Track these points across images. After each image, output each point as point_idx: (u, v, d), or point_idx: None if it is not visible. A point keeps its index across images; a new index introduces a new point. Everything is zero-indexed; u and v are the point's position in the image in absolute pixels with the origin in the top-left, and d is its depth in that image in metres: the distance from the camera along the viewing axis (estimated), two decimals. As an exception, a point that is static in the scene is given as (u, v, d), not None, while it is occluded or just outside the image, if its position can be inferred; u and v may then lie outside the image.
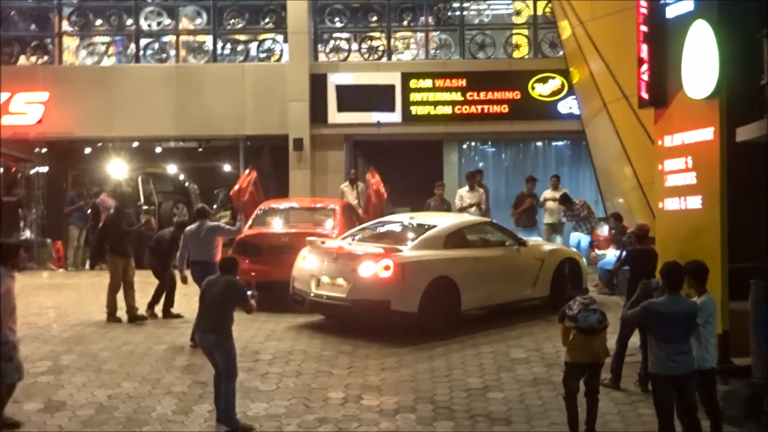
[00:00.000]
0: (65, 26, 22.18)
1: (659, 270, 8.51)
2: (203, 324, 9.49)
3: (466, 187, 18.42)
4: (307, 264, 13.45)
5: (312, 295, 13.11)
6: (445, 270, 12.94)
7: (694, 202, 11.08)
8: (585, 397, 8.83)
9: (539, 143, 22.90)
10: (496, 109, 20.81)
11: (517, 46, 21.72)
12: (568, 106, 20.32)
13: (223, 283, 9.46)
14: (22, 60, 21.96)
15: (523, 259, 14.25)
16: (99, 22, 22.39)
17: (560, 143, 22.85)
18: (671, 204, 11.64)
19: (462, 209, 17.85)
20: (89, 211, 20.04)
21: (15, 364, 9.08)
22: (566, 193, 18.39)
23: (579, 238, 17.93)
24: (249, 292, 9.58)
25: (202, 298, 9.56)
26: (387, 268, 12.48)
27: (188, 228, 13.08)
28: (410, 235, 13.58)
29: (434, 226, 13.67)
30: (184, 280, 12.87)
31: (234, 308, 9.46)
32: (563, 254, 15.18)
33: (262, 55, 21.95)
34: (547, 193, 18.70)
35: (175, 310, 14.18)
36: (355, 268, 12.67)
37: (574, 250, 16.22)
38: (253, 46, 22.07)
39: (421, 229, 13.66)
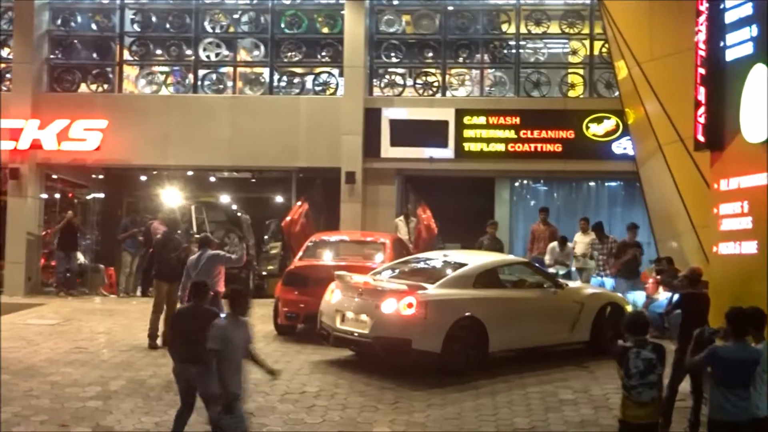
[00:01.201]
0: (126, 55, 22.55)
1: (725, 315, 8.39)
2: (181, 354, 9.22)
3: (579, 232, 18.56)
4: (333, 298, 13.35)
5: (336, 330, 12.96)
6: (472, 310, 12.63)
7: (749, 247, 10.92)
8: None
9: (592, 183, 22.74)
10: (549, 147, 20.75)
11: (573, 86, 21.66)
12: (622, 146, 20.18)
13: (198, 311, 9.29)
14: (83, 87, 22.34)
15: (560, 302, 13.86)
16: (159, 51, 22.76)
17: (613, 184, 22.67)
18: (726, 248, 11.48)
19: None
20: (142, 238, 20.26)
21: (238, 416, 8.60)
22: (600, 223, 18.28)
23: (601, 281, 17.43)
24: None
25: (175, 326, 9.39)
26: (410, 305, 12.24)
27: (190, 258, 12.95)
28: (440, 272, 13.32)
29: (465, 265, 13.44)
30: None
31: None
32: (606, 299, 14.68)
33: (318, 88, 22.12)
34: (577, 237, 18.59)
35: None
36: (378, 304, 12.46)
37: (620, 295, 15.61)
38: (309, 78, 22.24)
39: (451, 266, 13.45)
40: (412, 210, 19.94)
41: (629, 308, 14.62)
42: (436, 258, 14.31)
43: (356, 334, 12.64)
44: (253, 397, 11.09)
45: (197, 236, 20.04)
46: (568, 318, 13.81)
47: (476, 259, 14.10)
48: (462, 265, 13.40)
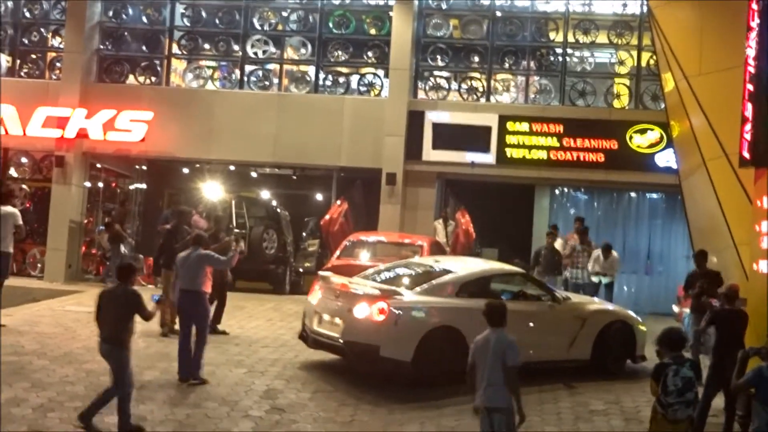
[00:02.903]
0: (174, 49, 22.78)
1: None
2: (102, 333, 9.53)
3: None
4: (314, 299, 13.00)
5: (313, 332, 12.64)
6: (450, 319, 11.96)
7: (790, 266, 10.81)
8: None
9: (633, 194, 22.59)
10: (591, 157, 20.66)
11: (618, 96, 21.55)
12: (665, 159, 20.03)
13: (120, 292, 9.56)
14: (131, 79, 22.60)
15: (558, 317, 12.99)
16: (207, 46, 22.96)
17: (655, 195, 22.52)
18: (766, 266, 11.36)
19: None
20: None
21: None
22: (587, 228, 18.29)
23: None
24: (156, 297, 9.73)
25: (100, 307, 9.58)
26: (381, 311, 11.70)
27: (180, 255, 12.36)
28: (425, 279, 12.71)
29: (451, 272, 12.84)
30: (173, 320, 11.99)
31: (131, 317, 9.48)
32: (612, 316, 13.78)
33: (363, 89, 22.20)
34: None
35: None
36: (351, 308, 11.97)
37: (630, 313, 14.33)
38: (354, 79, 22.33)
39: (438, 274, 12.87)
40: (451, 214, 19.95)
41: (642, 327, 13.86)
42: (426, 264, 13.75)
43: (330, 337, 12.22)
44: (285, 393, 11.20)
45: (236, 231, 20.29)
46: (565, 334, 12.97)
47: (468, 267, 13.52)
48: (448, 272, 12.86)
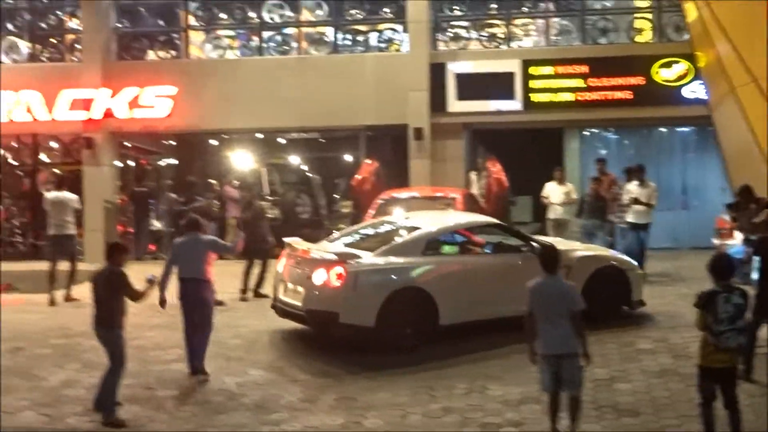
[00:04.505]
0: (191, 21, 22.73)
1: None
2: (93, 314, 9.47)
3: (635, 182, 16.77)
4: (280, 267, 12.73)
5: (278, 300, 12.41)
6: (414, 280, 11.63)
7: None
8: (725, 409, 8.10)
9: (663, 129, 22.36)
10: (618, 95, 20.44)
11: (641, 31, 21.28)
12: (693, 90, 19.80)
13: (106, 272, 9.42)
14: (151, 55, 22.62)
15: (537, 268, 12.01)
16: (223, 16, 22.89)
17: (686, 129, 22.26)
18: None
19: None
20: (216, 202, 20.49)
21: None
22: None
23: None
24: (149, 277, 9.58)
25: (93, 289, 9.50)
26: (339, 276, 11.30)
27: (178, 241, 11.55)
28: (389, 239, 12.33)
29: (416, 229, 12.32)
30: (163, 303, 10.89)
31: (120, 298, 9.34)
32: (602, 261, 13.00)
33: (382, 45, 22.08)
34: (551, 186, 17.89)
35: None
36: (310, 275, 11.62)
37: (621, 255, 13.88)
38: (373, 36, 22.20)
39: (403, 232, 12.43)
40: (481, 164, 19.85)
41: (637, 272, 13.38)
42: (394, 222, 13.29)
43: (292, 306, 11.97)
44: (329, 355, 11.29)
45: (269, 197, 20.35)
46: None
47: (436, 221, 12.91)
48: (414, 229, 12.36)
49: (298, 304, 11.79)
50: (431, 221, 12.91)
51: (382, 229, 13.19)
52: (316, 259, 11.80)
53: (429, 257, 11.97)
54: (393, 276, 11.64)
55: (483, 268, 12.44)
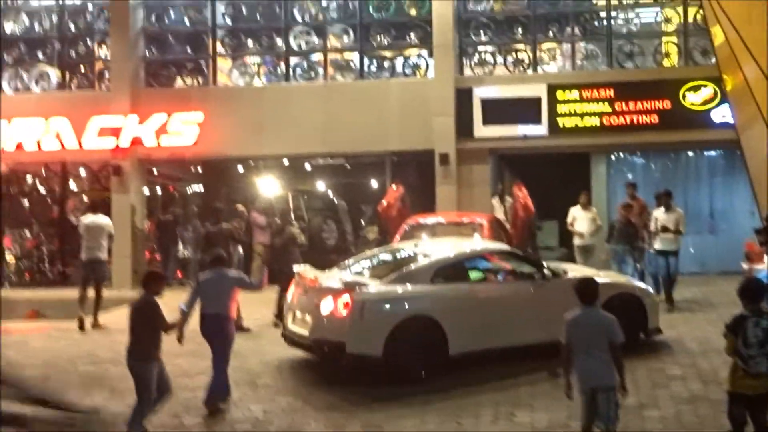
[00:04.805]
0: (219, 48, 22.91)
1: None
2: (128, 345, 9.40)
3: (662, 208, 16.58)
4: (290, 295, 12.70)
5: (287, 329, 12.31)
6: (423, 309, 11.44)
7: None
8: None
9: (690, 153, 22.26)
10: (645, 119, 20.37)
11: (667, 55, 21.23)
12: (721, 114, 19.70)
13: (142, 302, 9.37)
14: (179, 82, 22.80)
15: (549, 295, 11.92)
16: (250, 42, 23.05)
17: (713, 153, 22.16)
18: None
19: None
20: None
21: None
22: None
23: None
24: (183, 307, 9.56)
25: (129, 318, 9.45)
26: (346, 305, 11.13)
27: (204, 277, 11.13)
28: (398, 266, 12.10)
29: (426, 257, 12.19)
30: (180, 339, 10.41)
31: (155, 329, 9.25)
32: (616, 288, 12.65)
33: (408, 71, 22.15)
34: (575, 211, 17.87)
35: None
36: (317, 304, 11.47)
37: (638, 283, 13.80)
38: (399, 61, 22.27)
39: (412, 259, 12.26)
40: (507, 189, 19.80)
41: (655, 299, 13.30)
42: (405, 249, 13.15)
43: (301, 336, 11.82)
44: (356, 384, 11.24)
45: (296, 224, 20.36)
46: (558, 313, 11.68)
47: (446, 249, 12.69)
48: (423, 257, 12.21)
49: (305, 333, 11.68)
50: (441, 248, 12.78)
51: (392, 256, 13.07)
52: (324, 288, 11.71)
53: (438, 285, 11.79)
54: (401, 304, 11.49)
55: (494, 295, 12.35)
